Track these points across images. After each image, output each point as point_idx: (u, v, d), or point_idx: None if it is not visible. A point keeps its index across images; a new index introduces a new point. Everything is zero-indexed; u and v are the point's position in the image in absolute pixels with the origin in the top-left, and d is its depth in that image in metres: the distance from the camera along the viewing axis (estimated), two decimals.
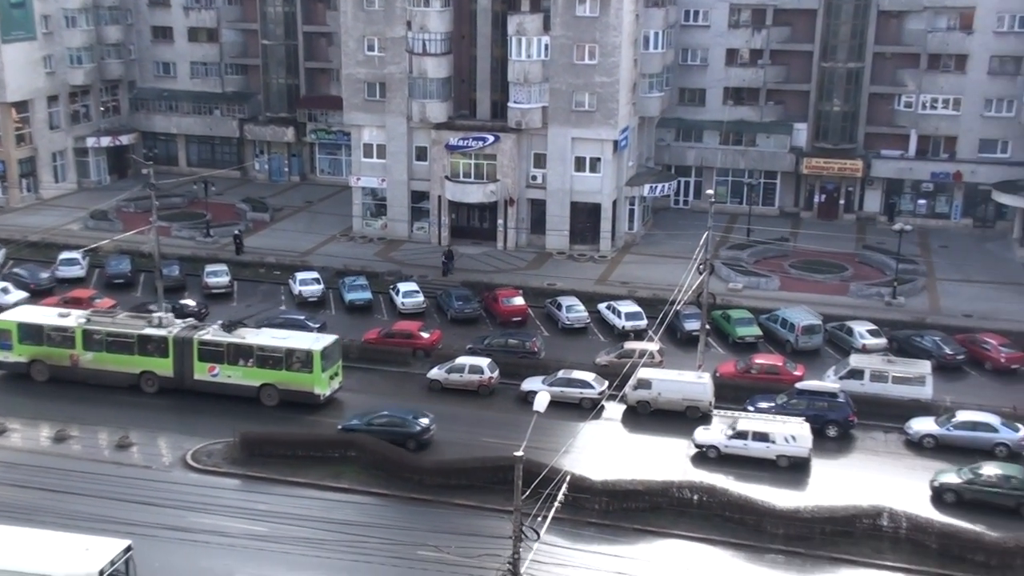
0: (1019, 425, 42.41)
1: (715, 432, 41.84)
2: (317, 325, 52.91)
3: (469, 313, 56.31)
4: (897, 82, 72.04)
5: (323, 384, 45.43)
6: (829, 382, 46.27)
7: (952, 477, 38.69)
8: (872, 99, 72.78)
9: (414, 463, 39.74)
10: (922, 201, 73.24)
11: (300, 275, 60.13)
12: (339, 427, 42.74)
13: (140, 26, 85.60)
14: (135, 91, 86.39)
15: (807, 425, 41.35)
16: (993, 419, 42.54)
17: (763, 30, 73.16)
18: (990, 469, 38.50)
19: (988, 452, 41.44)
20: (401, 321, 54.41)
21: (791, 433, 40.85)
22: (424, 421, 42.71)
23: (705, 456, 41.47)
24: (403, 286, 58.45)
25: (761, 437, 40.73)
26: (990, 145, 70.95)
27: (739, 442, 41.11)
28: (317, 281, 59.54)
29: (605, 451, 42.31)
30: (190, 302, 56.03)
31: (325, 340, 46.59)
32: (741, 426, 41.27)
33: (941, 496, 38.32)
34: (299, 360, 45.30)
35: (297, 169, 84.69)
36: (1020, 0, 68.01)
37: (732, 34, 73.94)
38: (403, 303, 57.19)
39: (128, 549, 30.31)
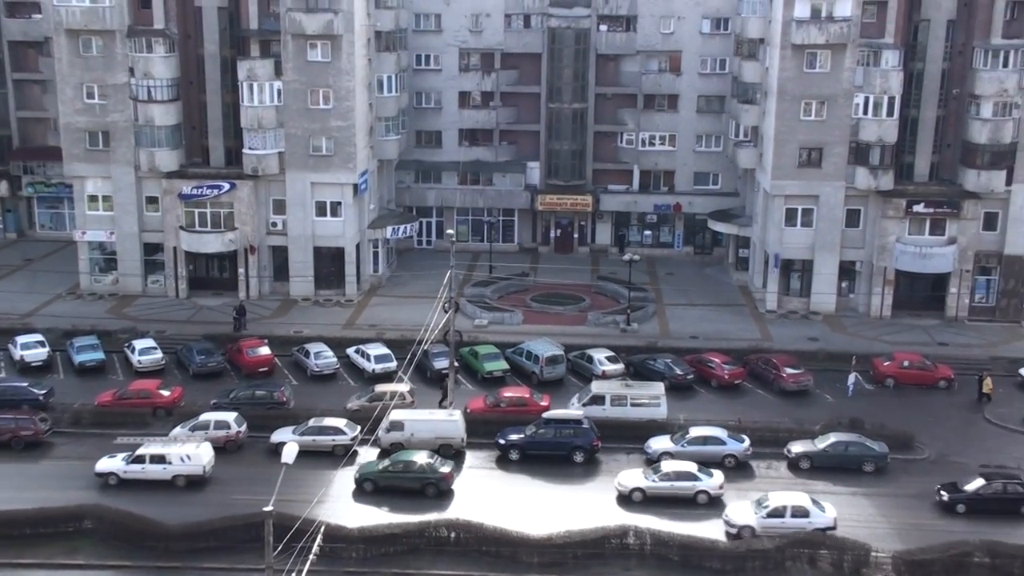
0: (744, 436, 45.81)
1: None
2: (43, 391, 49.35)
3: (212, 367, 54.35)
4: (618, 121, 76.56)
5: None
6: (574, 409, 48.14)
7: (371, 467, 42.57)
8: (597, 137, 76.91)
9: (158, 529, 37.74)
10: (648, 232, 77.96)
11: (21, 339, 55.82)
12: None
13: None
14: None
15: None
16: (721, 432, 45.74)
17: (492, 73, 75.73)
18: (406, 455, 42.64)
19: (719, 464, 44.46)
20: (138, 380, 51.71)
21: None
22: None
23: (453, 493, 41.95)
24: (139, 343, 55.63)
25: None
26: (703, 178, 76.75)
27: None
28: (41, 344, 55.51)
29: (361, 497, 41.90)
30: None
31: None
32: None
33: (362, 485, 42.12)
34: None
35: (13, 225, 78.78)
36: (719, 45, 74.25)
37: (463, 77, 76.06)
38: (139, 361, 54.44)
39: None
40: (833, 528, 38.68)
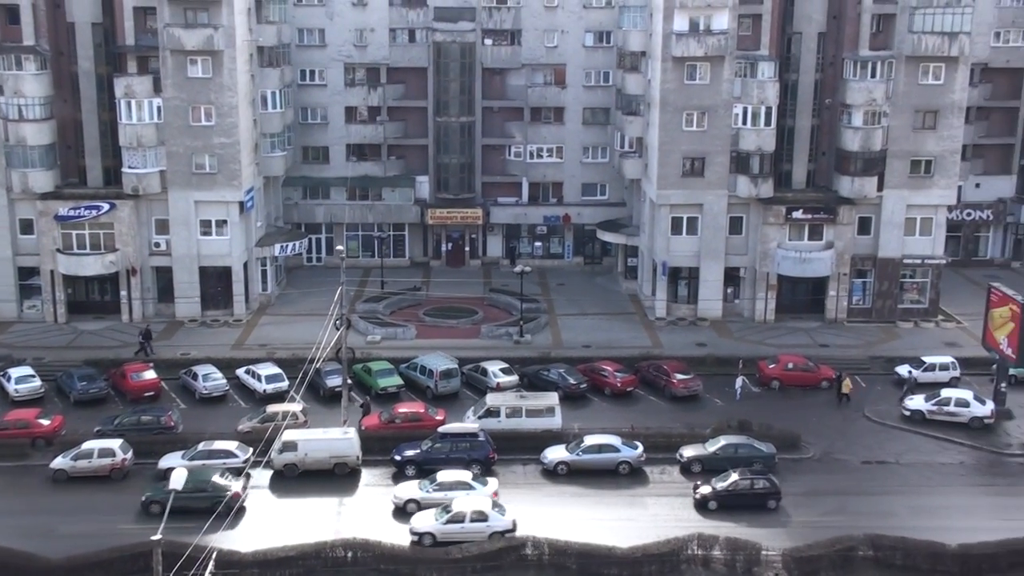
0: (637, 443, 46.50)
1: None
2: None
3: (95, 393, 52.55)
4: (506, 134, 77.07)
5: None
6: (469, 423, 48.14)
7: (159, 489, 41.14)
8: (486, 150, 77.25)
9: (40, 564, 36.20)
10: (538, 243, 78.59)
11: None
12: None
13: None
14: None
15: None
16: (615, 440, 46.33)
17: (379, 88, 75.38)
18: (197, 475, 41.21)
19: (613, 471, 45.03)
20: (15, 410, 49.59)
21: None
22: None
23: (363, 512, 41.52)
24: (15, 371, 53.41)
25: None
26: (591, 189, 77.82)
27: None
28: None
29: (255, 520, 41.05)
30: None
31: None
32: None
33: (148, 507, 40.85)
34: None
35: None
36: (602, 58, 75.51)
37: (349, 92, 75.51)
38: (16, 390, 52.27)
39: None
40: (512, 530, 39.16)
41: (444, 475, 42.76)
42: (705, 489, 42.58)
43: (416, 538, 39.25)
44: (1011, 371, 52.27)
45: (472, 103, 75.50)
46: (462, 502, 40.20)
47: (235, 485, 41.92)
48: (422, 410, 49.98)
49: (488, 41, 75.15)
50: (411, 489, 42.42)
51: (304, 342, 54.63)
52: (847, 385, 53.23)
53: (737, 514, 41.30)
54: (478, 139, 76.56)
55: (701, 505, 42.28)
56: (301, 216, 76.11)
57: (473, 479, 42.51)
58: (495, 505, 40.27)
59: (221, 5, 61.74)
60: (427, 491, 42.02)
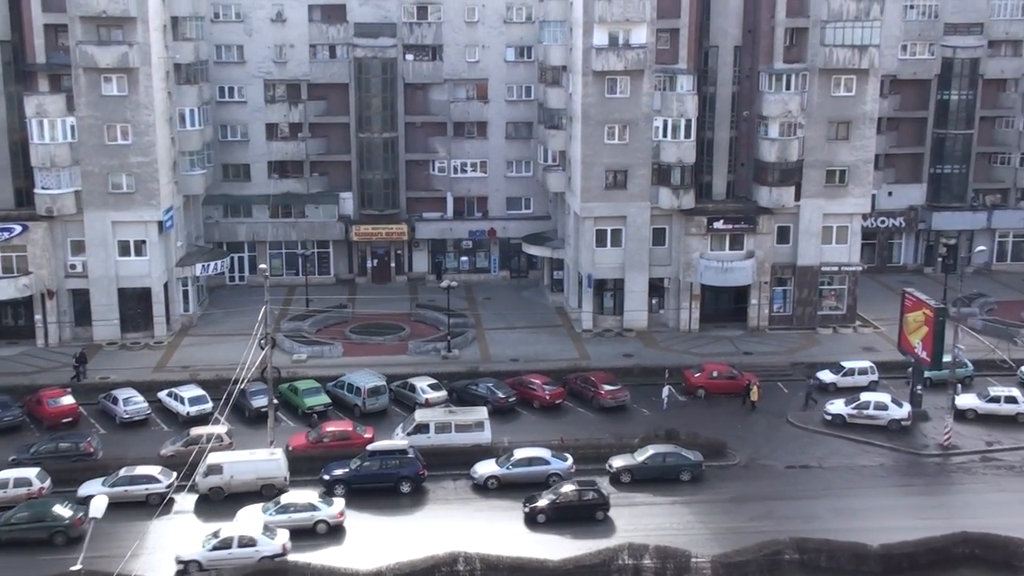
0: (567, 455, 46.69)
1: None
2: None
3: (9, 421, 50.99)
4: (430, 149, 77.01)
5: None
6: (398, 440, 47.84)
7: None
8: (410, 166, 77.10)
9: None
10: (464, 258, 78.60)
11: None
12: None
13: None
14: None
15: None
16: (545, 453, 46.47)
17: (300, 104, 74.74)
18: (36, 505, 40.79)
19: (544, 484, 45.12)
20: None
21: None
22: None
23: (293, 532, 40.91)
24: None
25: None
26: (516, 203, 78.14)
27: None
28: None
29: (179, 546, 40.16)
30: None
31: None
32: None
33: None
34: None
35: None
36: (524, 73, 76.01)
37: (270, 109, 74.73)
38: None
39: None
40: (283, 555, 38.96)
41: (288, 497, 42.08)
42: (540, 502, 42.24)
43: (181, 567, 38.20)
44: (926, 374, 53.74)
45: (395, 118, 75.33)
46: (228, 528, 39.55)
47: (73, 512, 40.50)
48: (350, 428, 49.53)
49: (409, 56, 75.10)
50: (255, 514, 41.26)
51: (228, 363, 53.78)
52: (755, 393, 54.03)
53: (565, 527, 41.21)
54: (402, 154, 76.38)
55: (531, 519, 42.02)
56: (223, 235, 75.00)
57: (320, 499, 41.84)
58: (266, 529, 39.60)
59: (136, 22, 60.73)
60: (271, 514, 41.08)
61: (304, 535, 40.68)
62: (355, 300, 71.97)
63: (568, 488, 42.72)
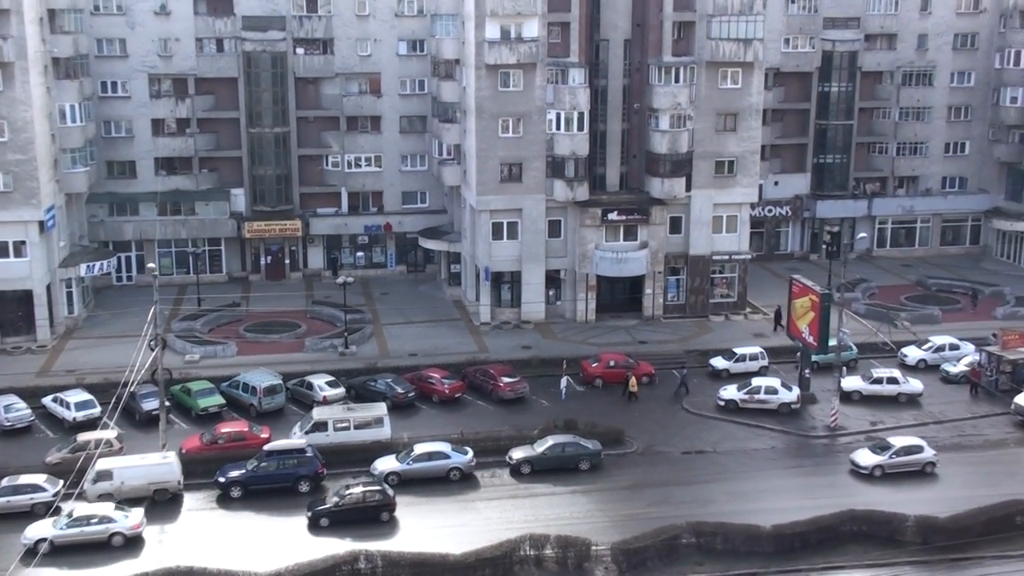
0: (467, 448, 46.76)
1: None
2: None
3: None
4: (323, 144, 76.03)
5: None
6: (296, 439, 47.19)
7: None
8: (302, 161, 75.99)
9: None
10: (360, 253, 77.90)
11: None
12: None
13: None
14: None
15: None
16: (445, 447, 46.41)
17: (187, 99, 72.93)
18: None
19: (444, 478, 45.13)
20: None
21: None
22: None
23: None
24: None
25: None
26: (411, 197, 77.78)
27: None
28: None
29: (56, 556, 38.85)
30: None
31: None
32: None
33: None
34: None
35: None
36: (417, 66, 75.67)
37: (155, 104, 72.71)
38: None
39: None
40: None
41: (82, 509, 40.31)
42: (324, 506, 41.46)
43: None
44: (813, 358, 55.47)
45: (286, 113, 74.15)
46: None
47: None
48: (246, 429, 48.63)
49: (300, 50, 73.99)
50: (44, 528, 39.48)
51: (116, 365, 52.19)
52: (633, 384, 54.74)
53: (349, 529, 40.38)
54: (294, 149, 75.25)
55: (314, 523, 41.07)
56: (108, 234, 72.72)
57: (115, 509, 40.55)
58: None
59: (10, 14, 58.41)
60: (62, 528, 39.46)
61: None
62: (249, 298, 70.69)
63: (353, 490, 41.79)
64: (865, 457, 46.34)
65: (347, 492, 41.90)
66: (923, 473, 46.01)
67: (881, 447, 46.66)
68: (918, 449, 46.40)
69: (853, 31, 79.63)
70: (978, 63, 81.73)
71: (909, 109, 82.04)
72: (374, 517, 41.51)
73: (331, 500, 41.74)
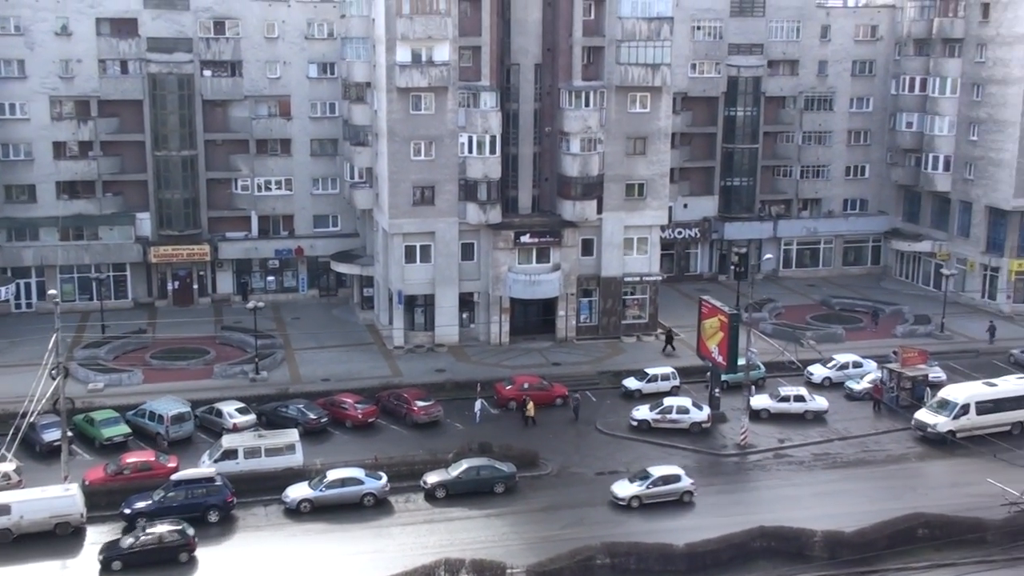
0: (381, 474, 46.31)
1: None
2: None
3: None
4: (232, 167, 74.94)
5: None
6: (205, 467, 46.16)
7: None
8: (211, 184, 74.75)
9: None
10: (271, 278, 76.84)
11: None
12: None
13: None
14: None
15: None
16: (359, 472, 45.86)
17: (90, 122, 71.23)
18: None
19: (359, 504, 44.60)
20: None
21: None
22: None
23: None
24: None
25: None
26: (323, 220, 77.13)
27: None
28: None
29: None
30: None
31: None
32: None
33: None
34: None
35: None
36: (328, 89, 75.24)
37: (56, 127, 70.84)
38: None
39: None
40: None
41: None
42: (119, 547, 39.78)
43: None
44: (723, 377, 56.45)
45: (194, 136, 72.96)
46: None
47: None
48: (152, 458, 47.36)
49: (207, 72, 72.95)
50: None
51: (15, 395, 50.36)
52: (530, 409, 54.43)
53: (144, 573, 38.69)
54: (202, 173, 74.03)
55: (106, 567, 39.20)
56: (7, 260, 70.42)
57: None
58: None
59: None
60: None
61: None
62: (156, 324, 69.06)
63: (152, 530, 40.20)
64: (623, 488, 45.43)
65: (144, 533, 39.98)
66: (681, 503, 45.28)
67: (640, 476, 45.88)
68: (675, 479, 45.57)
69: (757, 57, 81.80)
70: (875, 89, 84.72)
71: (811, 133, 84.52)
72: (172, 559, 39.81)
73: (126, 541, 39.85)
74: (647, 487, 45.29)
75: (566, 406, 56.64)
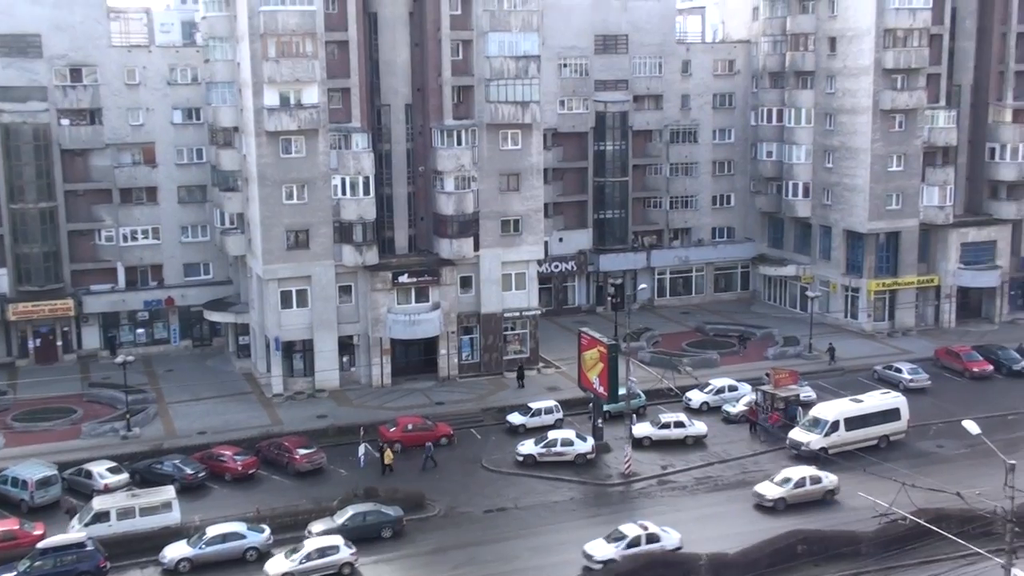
0: (264, 526, 44.99)
1: None
2: None
3: None
4: (95, 217, 72.36)
5: None
6: (75, 533, 44.02)
7: None
8: (72, 236, 71.99)
9: None
10: (141, 330, 74.29)
11: None
12: None
13: None
14: None
15: None
16: (240, 527, 44.46)
17: None
18: None
19: (241, 559, 43.19)
20: None
21: None
22: None
23: None
24: None
25: None
26: (194, 269, 75.14)
27: None
28: None
29: None
30: None
31: None
32: None
33: None
34: None
35: None
36: (194, 135, 73.63)
37: None
38: None
39: None
40: None
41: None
42: None
43: None
44: (605, 407, 57.04)
45: (52, 187, 70.32)
46: None
47: None
48: (16, 527, 44.91)
49: (65, 121, 70.51)
50: None
51: None
52: (388, 456, 53.31)
53: None
54: (63, 225, 71.30)
55: None
56: None
57: None
58: None
59: None
60: None
61: None
62: (16, 385, 65.84)
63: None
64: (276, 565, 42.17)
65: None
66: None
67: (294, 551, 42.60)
68: (333, 551, 42.42)
69: (622, 92, 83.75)
70: (736, 121, 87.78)
71: (678, 165, 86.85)
72: None
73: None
74: (300, 563, 41.57)
75: (451, 444, 56.26)
